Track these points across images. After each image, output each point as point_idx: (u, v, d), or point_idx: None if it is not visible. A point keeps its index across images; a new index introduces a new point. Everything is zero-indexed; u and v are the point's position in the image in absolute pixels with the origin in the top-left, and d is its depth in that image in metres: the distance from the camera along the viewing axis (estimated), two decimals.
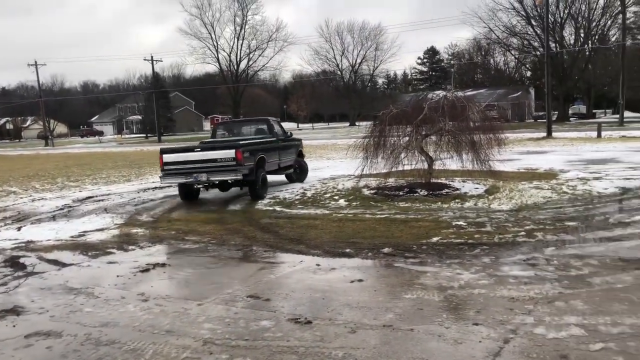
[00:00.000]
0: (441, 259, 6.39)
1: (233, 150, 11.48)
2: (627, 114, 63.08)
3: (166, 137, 69.90)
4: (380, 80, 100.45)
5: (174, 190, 12.80)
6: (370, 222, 8.63)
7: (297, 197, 11.67)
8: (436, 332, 4.20)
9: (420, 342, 4.04)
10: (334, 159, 22.55)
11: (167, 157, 11.93)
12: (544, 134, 27.90)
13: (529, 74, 75.90)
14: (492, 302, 4.83)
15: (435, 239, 7.30)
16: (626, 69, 41.76)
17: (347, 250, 6.95)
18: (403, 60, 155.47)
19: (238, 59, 74.45)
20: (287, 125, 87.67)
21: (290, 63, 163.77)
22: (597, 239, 7.04)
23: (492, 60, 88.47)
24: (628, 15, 45.84)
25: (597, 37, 51.93)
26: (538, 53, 47.30)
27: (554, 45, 48.28)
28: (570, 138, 26.49)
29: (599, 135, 25.49)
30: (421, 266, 6.12)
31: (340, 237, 7.72)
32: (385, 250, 6.85)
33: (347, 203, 10.50)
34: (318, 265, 6.35)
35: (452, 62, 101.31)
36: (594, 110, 66.32)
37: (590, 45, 50.29)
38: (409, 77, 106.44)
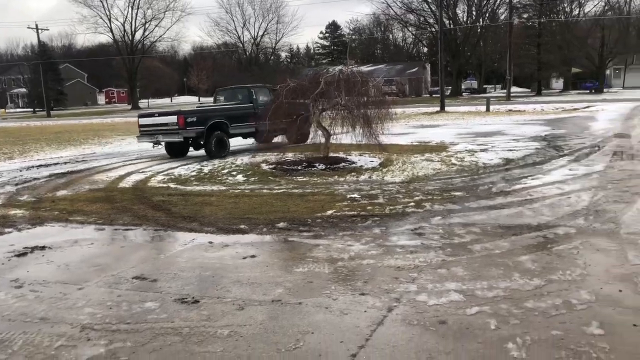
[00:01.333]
0: (334, 231, 6.46)
1: (176, 116, 13.83)
2: (514, 89, 67.14)
3: (57, 112, 65.56)
4: (283, 54, 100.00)
5: (60, 168, 12.22)
6: (267, 197, 8.57)
7: (194, 173, 11.36)
8: (324, 304, 4.24)
9: (307, 315, 4.05)
10: None
11: (141, 121, 14.62)
12: (438, 109, 29.10)
13: (425, 50, 78.61)
14: (379, 272, 4.95)
15: (330, 212, 7.37)
16: (513, 46, 44.30)
17: (242, 226, 6.85)
18: (306, 34, 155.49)
19: (133, 29, 70.76)
20: (187, 98, 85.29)
21: (190, 34, 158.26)
22: (480, 207, 7.42)
23: (391, 36, 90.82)
24: None
25: (487, 15, 54.63)
26: (433, 30, 48.98)
27: (447, 22, 50.25)
28: (462, 112, 27.81)
29: (487, 109, 26.96)
30: (314, 239, 6.16)
31: (236, 213, 7.59)
32: (281, 225, 6.82)
33: (244, 179, 10.36)
34: (210, 242, 6.21)
35: (353, 37, 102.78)
36: (485, 86, 70.00)
37: (481, 22, 52.81)
38: (312, 51, 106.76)
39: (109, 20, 69.82)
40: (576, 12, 51.94)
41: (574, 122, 19.45)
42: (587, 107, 27.51)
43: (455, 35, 51.50)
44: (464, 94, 57.83)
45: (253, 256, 5.63)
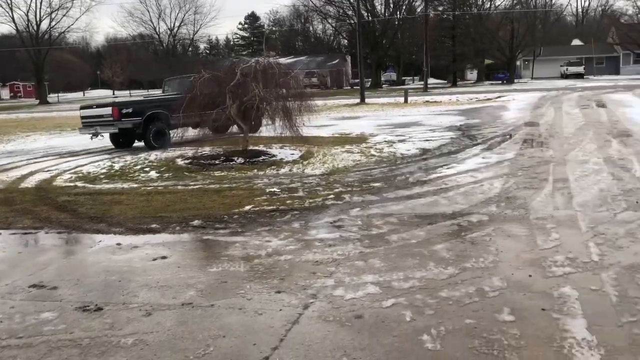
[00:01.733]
0: (252, 227, 6.27)
1: (110, 108, 14.03)
2: (431, 80, 69.10)
3: None
4: (202, 46, 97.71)
5: None
6: (182, 194, 8.23)
7: (104, 170, 10.77)
8: (237, 305, 4.06)
9: (219, 318, 3.86)
10: None
11: (82, 112, 14.72)
12: (358, 100, 29.41)
13: (346, 42, 79.27)
14: (296, 268, 4.82)
15: (247, 208, 7.17)
16: (429, 39, 45.55)
17: (153, 225, 6.51)
18: (225, 26, 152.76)
19: (38, 19, 66.48)
20: (101, 92, 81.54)
21: (102, 25, 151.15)
22: (398, 197, 7.46)
23: (311, 28, 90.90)
24: None
25: (405, 7, 55.83)
26: (352, 22, 49.44)
27: (366, 14, 50.91)
28: (381, 104, 28.24)
29: (405, 101, 27.52)
30: (231, 236, 5.95)
31: (147, 212, 7.23)
32: (195, 222, 6.55)
33: (158, 175, 9.93)
34: (118, 244, 5.84)
35: (273, 28, 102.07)
36: (403, 77, 71.63)
37: (398, 15, 53.88)
38: (232, 42, 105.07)
39: (10, 9, 65.22)
40: (487, 5, 54.18)
41: (487, 112, 20.17)
42: (499, 97, 28.69)
43: (374, 28, 52.27)
44: (383, 85, 58.90)
45: (164, 257, 5.34)
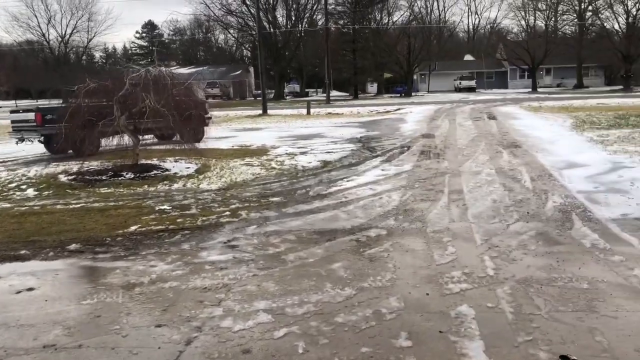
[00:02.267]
0: (136, 250, 5.74)
1: (33, 113, 13.48)
2: (334, 92, 70.12)
3: None
4: (98, 54, 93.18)
5: None
6: (61, 214, 7.47)
7: None
8: (110, 343, 3.58)
9: None
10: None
11: (12, 117, 14.49)
12: (260, 112, 29.08)
13: (249, 53, 78.74)
14: (182, 296, 4.40)
15: (133, 228, 6.60)
16: (331, 52, 46.20)
17: (23, 252, 5.79)
18: (122, 34, 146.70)
19: None
20: None
21: None
22: (297, 212, 7.20)
23: (213, 38, 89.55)
24: (330, 0, 50.75)
25: (306, 20, 56.24)
26: (254, 32, 49.10)
27: (267, 25, 50.77)
28: (284, 115, 28.08)
29: (308, 113, 27.55)
30: (112, 262, 5.39)
31: (17, 236, 6.45)
32: (72, 246, 5.90)
33: (36, 193, 9.02)
34: None
35: (173, 37, 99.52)
36: (307, 89, 72.17)
37: (300, 27, 54.18)
38: (130, 51, 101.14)
39: None
40: (386, 20, 55.92)
41: (386, 124, 20.56)
42: (398, 109, 29.48)
43: (276, 40, 52.18)
44: (287, 97, 58.96)
45: (31, 289, 4.70)
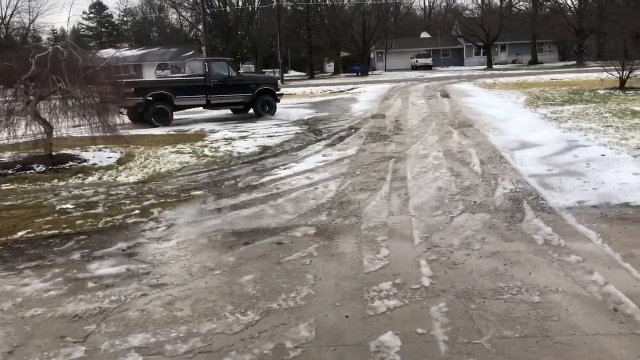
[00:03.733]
0: (14, 263, 4.77)
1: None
2: (291, 72, 68.85)
3: None
4: (44, 36, 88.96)
5: None
6: None
7: None
8: None
9: None
10: None
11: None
12: None
13: (202, 33, 76.32)
14: (41, 330, 3.49)
15: (20, 234, 5.60)
16: (286, 30, 44.99)
17: None
18: (69, 15, 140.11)
19: None
20: None
21: None
22: (219, 209, 6.32)
23: (166, 19, 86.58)
24: None
25: None
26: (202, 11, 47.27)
27: (217, 2, 48.99)
28: None
29: None
30: None
31: None
32: None
33: None
34: None
35: (124, 18, 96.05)
36: (263, 70, 70.60)
37: (252, 4, 52.44)
38: (79, 33, 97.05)
39: None
40: None
41: (337, 104, 19.73)
42: (352, 89, 28.68)
43: (227, 18, 50.41)
44: None
45: None
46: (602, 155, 7.85)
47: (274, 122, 15.01)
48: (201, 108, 17.07)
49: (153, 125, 14.66)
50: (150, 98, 14.78)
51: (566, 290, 3.68)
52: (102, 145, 10.84)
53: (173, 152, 10.32)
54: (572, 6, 52.93)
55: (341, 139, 11.32)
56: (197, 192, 7.13)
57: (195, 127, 14.42)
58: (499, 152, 8.73)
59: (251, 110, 17.11)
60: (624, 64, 18.13)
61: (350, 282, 4.02)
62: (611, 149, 8.25)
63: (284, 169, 8.43)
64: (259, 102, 16.83)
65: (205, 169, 8.72)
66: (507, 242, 4.71)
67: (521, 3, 59.52)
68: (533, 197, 6.06)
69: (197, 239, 5.24)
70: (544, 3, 57.07)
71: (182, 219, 5.93)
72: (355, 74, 51.06)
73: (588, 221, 5.12)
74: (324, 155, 9.40)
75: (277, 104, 17.53)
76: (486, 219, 5.40)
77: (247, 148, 10.54)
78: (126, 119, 16.20)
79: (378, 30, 51.55)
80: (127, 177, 8.29)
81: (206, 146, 10.89)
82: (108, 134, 9.63)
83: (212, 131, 13.34)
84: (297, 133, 12.46)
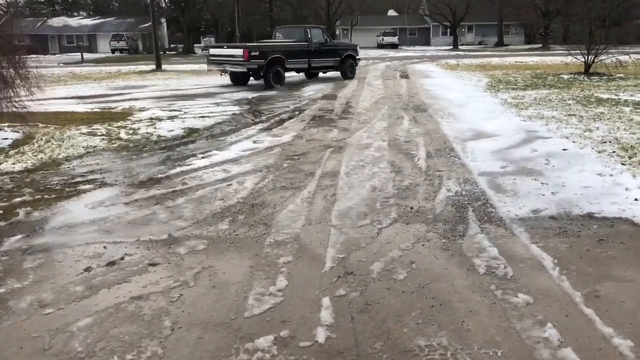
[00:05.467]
0: None
1: (242, 50, 16.00)
2: None
3: None
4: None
5: None
6: None
7: None
8: None
9: None
10: None
11: (212, 51, 17.98)
12: (154, 67, 26.10)
13: (164, 4, 73.25)
14: None
15: None
16: (246, 2, 43.02)
17: None
18: None
19: None
20: None
21: None
22: (103, 209, 5.13)
23: None
24: None
25: None
26: None
27: None
28: (180, 71, 25.21)
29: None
30: None
31: None
32: None
33: None
34: None
35: None
36: (227, 44, 68.22)
37: None
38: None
39: None
40: None
41: (289, 82, 18.48)
42: None
43: None
44: (203, 51, 55.22)
45: None
46: (564, 149, 6.90)
47: (214, 100, 13.68)
48: None
49: (270, 87, 16.17)
50: (271, 60, 16.17)
51: (508, 356, 2.66)
52: (7, 124, 9.44)
53: (84, 133, 8.99)
54: None
55: (281, 122, 10.15)
56: (86, 187, 5.90)
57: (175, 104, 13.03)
58: (450, 143, 7.71)
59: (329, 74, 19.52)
60: (589, 48, 17.36)
61: (219, 334, 2.91)
62: (574, 142, 7.31)
63: (202, 157, 7.25)
64: (346, 65, 18.94)
65: (113, 155, 7.47)
66: (440, 269, 3.68)
67: None
68: (481, 202, 5.04)
69: (50, 253, 4.06)
70: None
71: (49, 224, 4.73)
72: None
73: (544, 239, 4.13)
74: (254, 142, 8.23)
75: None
76: (421, 232, 4.36)
77: (171, 130, 9.28)
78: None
79: (342, 5, 50.05)
80: (13, 164, 6.98)
81: (125, 127, 9.59)
82: (11, 110, 8.27)
83: (142, 109, 11.98)
84: (234, 114, 11.22)
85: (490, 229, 4.37)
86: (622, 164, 6.04)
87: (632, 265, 3.64)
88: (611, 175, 5.64)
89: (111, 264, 3.90)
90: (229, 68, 16.59)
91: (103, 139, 8.57)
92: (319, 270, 3.70)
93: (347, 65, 19.04)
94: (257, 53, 15.96)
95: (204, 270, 3.74)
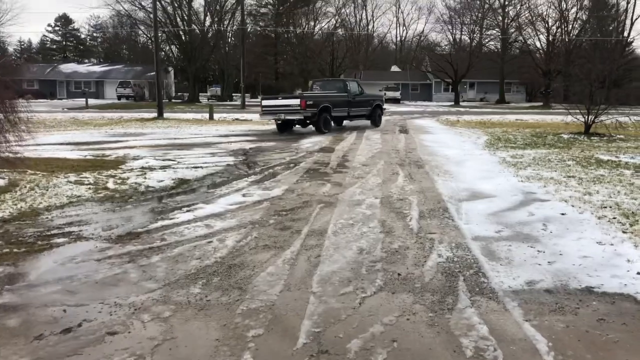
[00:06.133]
0: None
1: (299, 100, 18.15)
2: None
3: None
4: (10, 48, 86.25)
5: None
6: None
7: None
8: None
9: None
10: None
11: (265, 102, 19.56)
12: (156, 115, 26.24)
13: (171, 53, 74.67)
14: None
15: None
16: (253, 55, 43.81)
17: None
18: (36, 26, 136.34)
19: None
20: None
21: None
22: (72, 267, 4.83)
23: (138, 37, 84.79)
24: (250, 1, 48.24)
25: (227, 19, 53.14)
26: (165, 30, 45.91)
27: (181, 22, 47.58)
28: (182, 119, 25.36)
29: (210, 118, 25.04)
30: None
31: None
32: None
33: None
34: None
35: (94, 34, 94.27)
36: (234, 94, 69.11)
37: (219, 26, 51.01)
38: (46, 45, 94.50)
39: None
40: (312, 24, 54.05)
41: (288, 134, 18.42)
42: None
43: (191, 38, 48.95)
44: (209, 101, 55.90)
45: None
46: (562, 214, 6.62)
47: (211, 150, 13.53)
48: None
49: (321, 133, 18.18)
50: (321, 109, 18.31)
51: None
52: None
53: (71, 182, 8.77)
54: (540, 48, 53.35)
55: (274, 174, 9.93)
56: (60, 240, 5.63)
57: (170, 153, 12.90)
58: (444, 203, 7.44)
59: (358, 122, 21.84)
60: (589, 108, 17.33)
61: None
62: (573, 206, 7.04)
63: (187, 211, 6.98)
64: (375, 114, 21.31)
65: (94, 207, 7.21)
66: (424, 349, 3.35)
67: (491, 43, 59.93)
68: (473, 271, 4.73)
69: (5, 318, 3.74)
70: (513, 44, 57.49)
71: (10, 283, 4.42)
72: None
73: (538, 316, 3.81)
74: (243, 195, 7.99)
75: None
76: (407, 303, 4.04)
77: (161, 181, 9.07)
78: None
79: (346, 60, 50.89)
80: None
81: (114, 176, 9.38)
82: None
83: (136, 158, 11.82)
84: (228, 165, 11.04)
85: (481, 303, 4.05)
86: (624, 232, 5.75)
87: (636, 353, 3.30)
88: (612, 244, 5.34)
89: (66, 331, 3.58)
90: (285, 116, 18.40)
91: (89, 188, 8.34)
92: (291, 347, 3.38)
93: (377, 114, 21.33)
94: (311, 102, 18.01)
95: (165, 343, 3.42)
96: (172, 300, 4.11)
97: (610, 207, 6.92)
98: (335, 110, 19.02)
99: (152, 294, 4.22)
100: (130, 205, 7.37)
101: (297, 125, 19.45)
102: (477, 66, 52.70)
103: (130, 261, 5.02)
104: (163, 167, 10.50)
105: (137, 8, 47.30)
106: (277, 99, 19.97)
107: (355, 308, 3.97)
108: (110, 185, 8.65)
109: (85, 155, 12.14)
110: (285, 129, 19.39)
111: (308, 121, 18.32)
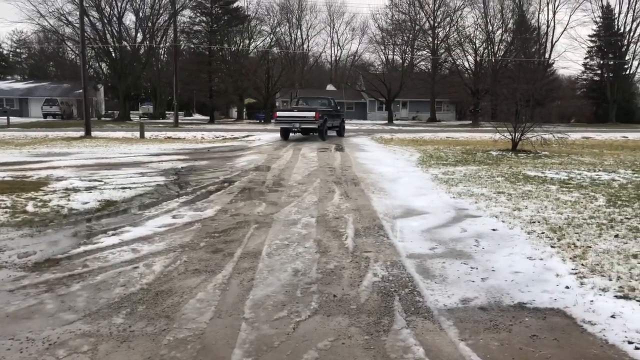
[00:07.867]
0: None
1: (314, 112, 22.63)
2: (198, 116, 66.46)
3: None
4: None
5: None
6: None
7: None
8: None
9: None
10: None
11: (279, 113, 24.32)
12: (84, 133, 25.23)
13: (102, 70, 72.39)
14: None
15: None
16: (186, 72, 42.99)
17: None
18: None
19: None
20: None
21: None
22: None
23: (66, 53, 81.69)
24: (183, 19, 47.56)
25: (160, 37, 52.06)
26: (95, 47, 44.51)
27: (111, 39, 46.25)
28: (111, 138, 24.48)
29: (141, 136, 24.31)
30: None
31: None
32: None
33: None
34: None
35: (17, 50, 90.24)
36: (167, 112, 67.56)
37: (150, 43, 49.89)
38: None
39: None
40: (247, 43, 53.86)
41: (223, 152, 18.14)
42: (247, 136, 27.23)
43: (121, 55, 47.62)
44: (140, 118, 54.40)
45: None
46: (493, 229, 6.74)
47: (140, 170, 13.06)
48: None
49: (323, 139, 23.00)
50: (325, 120, 22.93)
51: None
52: None
53: None
54: (468, 68, 55.44)
55: (207, 194, 9.65)
56: None
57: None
58: (379, 220, 7.43)
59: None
60: (516, 126, 18.04)
61: None
62: (503, 221, 7.18)
63: (113, 234, 6.61)
64: (341, 126, 26.86)
65: (10, 232, 6.71)
66: None
67: (422, 63, 61.74)
68: (408, 290, 4.68)
69: None
70: (443, 64, 59.48)
71: None
72: (258, 121, 49.93)
73: (473, 334, 3.78)
74: (173, 217, 7.68)
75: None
76: (342, 326, 3.92)
77: (86, 203, 8.59)
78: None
79: (282, 79, 50.99)
80: None
81: (35, 199, 8.82)
82: None
83: (60, 178, 11.21)
84: (158, 185, 10.65)
85: (417, 323, 3.99)
86: (552, 247, 5.89)
87: None
88: (541, 259, 5.44)
89: None
90: (300, 126, 22.68)
91: (6, 212, 7.79)
92: None
93: (342, 127, 26.91)
94: (321, 114, 22.58)
95: None
96: (92, 332, 3.82)
97: (539, 222, 7.11)
98: (330, 122, 24.07)
99: (70, 326, 3.90)
100: (50, 229, 6.92)
101: (296, 133, 23.76)
102: (409, 85, 54.09)
103: (47, 290, 4.65)
104: (89, 188, 9.99)
105: (63, 24, 45.39)
106: (292, 111, 23.86)
107: (289, 334, 3.82)
108: (30, 208, 8.12)
109: (4, 177, 11.40)
110: (287, 136, 23.78)
111: (313, 130, 22.95)
